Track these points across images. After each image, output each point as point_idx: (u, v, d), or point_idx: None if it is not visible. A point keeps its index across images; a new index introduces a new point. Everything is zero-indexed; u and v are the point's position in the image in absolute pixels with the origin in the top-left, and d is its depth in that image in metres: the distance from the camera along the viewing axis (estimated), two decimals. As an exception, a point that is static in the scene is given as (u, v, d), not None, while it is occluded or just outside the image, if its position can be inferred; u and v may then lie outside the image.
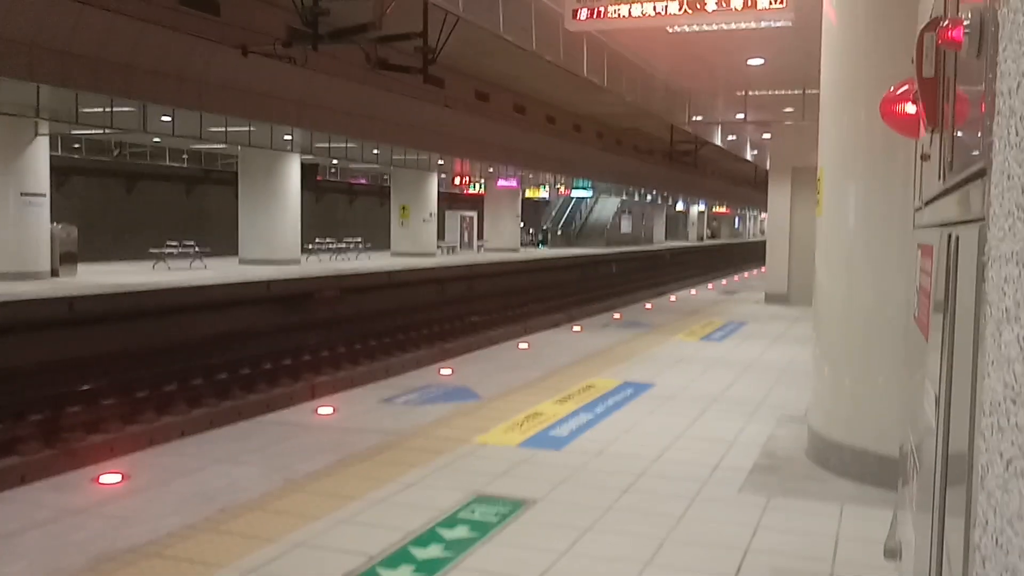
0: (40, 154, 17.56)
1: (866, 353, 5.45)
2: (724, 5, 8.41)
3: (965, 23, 1.14)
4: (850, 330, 5.58)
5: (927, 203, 1.95)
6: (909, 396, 2.70)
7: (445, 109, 22.57)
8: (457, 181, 38.74)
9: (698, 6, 8.49)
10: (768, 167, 19.45)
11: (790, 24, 9.48)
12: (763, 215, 73.55)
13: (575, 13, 8.92)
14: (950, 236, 1.47)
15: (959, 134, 1.40)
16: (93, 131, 21.56)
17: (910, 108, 2.00)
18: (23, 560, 3.91)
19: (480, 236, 38.05)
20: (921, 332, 2.02)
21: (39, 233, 17.51)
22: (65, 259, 18.15)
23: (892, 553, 2.62)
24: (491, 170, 34.64)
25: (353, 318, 20.20)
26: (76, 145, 28.66)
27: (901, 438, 3.31)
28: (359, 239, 29.86)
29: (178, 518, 4.42)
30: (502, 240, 37.55)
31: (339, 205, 42.14)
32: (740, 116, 18.96)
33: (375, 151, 27.22)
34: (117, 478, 5.08)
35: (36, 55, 13.34)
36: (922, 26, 1.66)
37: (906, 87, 2.04)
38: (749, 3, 8.34)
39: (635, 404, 7.42)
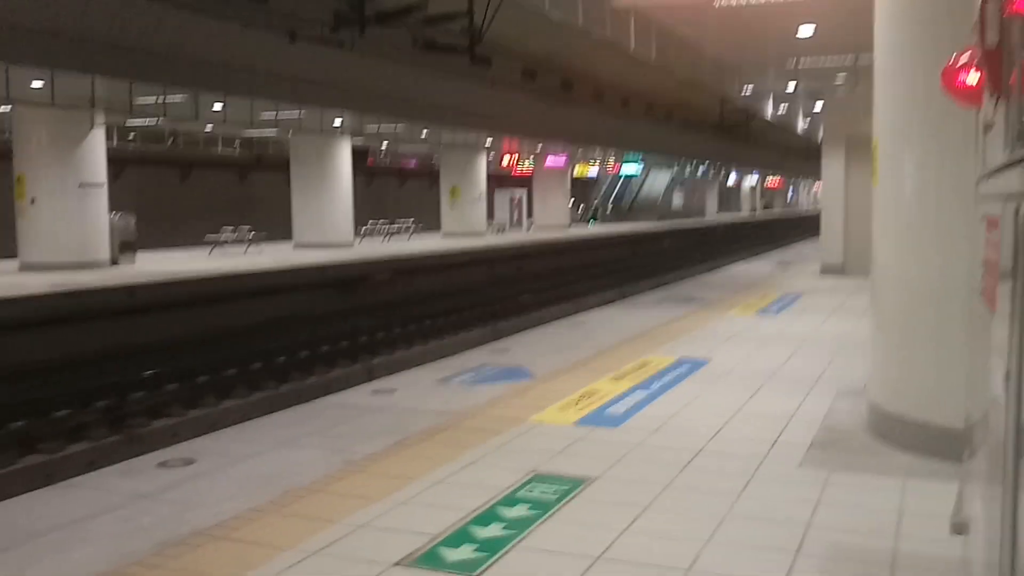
0: (97, 145, 17.89)
1: (927, 324, 5.34)
2: (773, -27, 8.27)
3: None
4: (910, 301, 5.48)
5: (991, 173, 1.91)
6: (974, 368, 2.65)
7: (492, 88, 22.51)
8: (505, 161, 38.67)
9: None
10: (821, 137, 19.11)
11: (842, -10, 9.27)
12: (817, 186, 72.33)
13: (621, -13, 8.83)
14: (1018, 208, 1.44)
15: (1026, 103, 1.36)
16: (147, 121, 21.91)
17: (972, 78, 1.95)
18: (93, 545, 4.02)
19: (529, 215, 37.98)
20: (987, 304, 1.97)
21: (98, 223, 17.87)
22: (124, 248, 18.51)
23: (959, 528, 2.58)
24: (539, 148, 34.51)
25: (406, 299, 20.34)
26: (131, 135, 29.20)
27: (966, 410, 3.25)
28: (410, 221, 30.01)
29: (242, 501, 4.51)
30: (551, 218, 37.44)
31: (389, 188, 42.37)
32: (791, 86, 18.62)
33: (424, 133, 27.28)
34: (181, 462, 5.20)
35: (87, 47, 13.57)
36: (984, -8, 1.61)
37: (967, 56, 1.99)
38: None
39: (691, 380, 7.38)
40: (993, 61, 1.58)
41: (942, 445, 4.94)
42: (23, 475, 8.62)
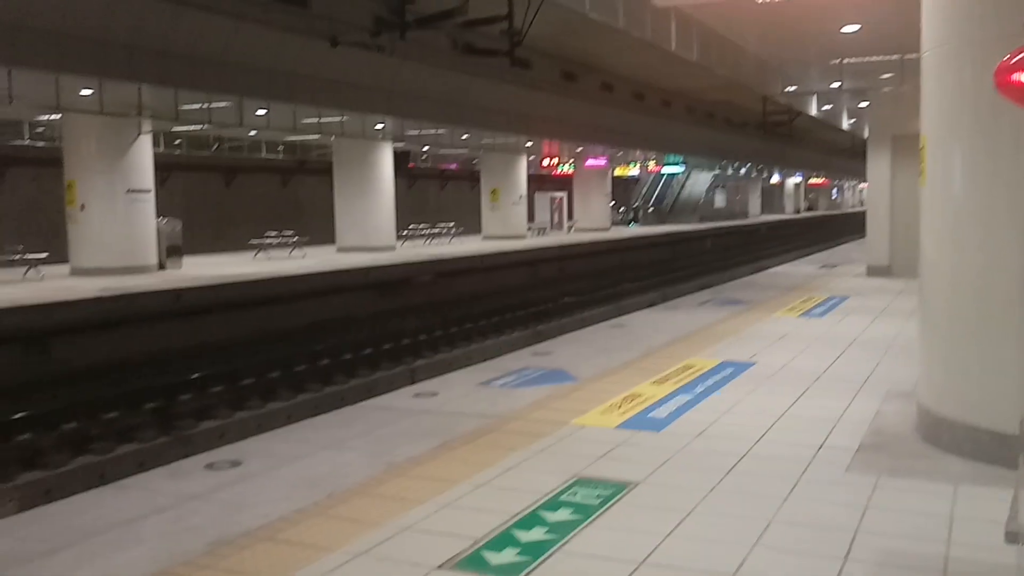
0: (144, 152, 18.19)
1: (978, 326, 5.24)
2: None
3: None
4: (959, 302, 5.38)
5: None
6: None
7: (532, 91, 22.51)
8: (546, 162, 38.64)
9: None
10: (866, 136, 18.84)
11: (887, -13, 9.13)
12: (862, 185, 71.33)
13: (662, -12, 8.79)
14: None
15: (1085, 103, 1.33)
16: (192, 127, 22.22)
17: (1027, 76, 1.91)
18: (144, 546, 4.08)
19: (570, 216, 37.92)
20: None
21: (146, 228, 18.18)
22: (171, 252, 18.81)
23: (1014, 537, 2.53)
24: (579, 150, 34.44)
25: (449, 302, 20.43)
26: (177, 142, 29.66)
27: (1019, 414, 3.18)
28: (451, 224, 30.12)
29: (288, 503, 4.55)
30: (592, 220, 37.35)
31: (431, 191, 42.57)
32: (835, 84, 18.37)
33: (464, 136, 27.37)
34: (229, 464, 5.26)
35: (136, 56, 13.81)
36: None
37: (1021, 55, 1.94)
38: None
39: (735, 384, 7.32)
40: (1048, 60, 1.54)
41: (995, 450, 4.84)
42: (78, 475, 8.79)
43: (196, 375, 12.42)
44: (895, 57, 15.90)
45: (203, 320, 15.17)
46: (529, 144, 30.57)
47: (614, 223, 40.71)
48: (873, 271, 16.54)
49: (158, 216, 18.58)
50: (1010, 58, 2.03)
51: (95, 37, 13.15)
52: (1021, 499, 2.54)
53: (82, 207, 17.54)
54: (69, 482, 8.30)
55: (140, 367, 13.16)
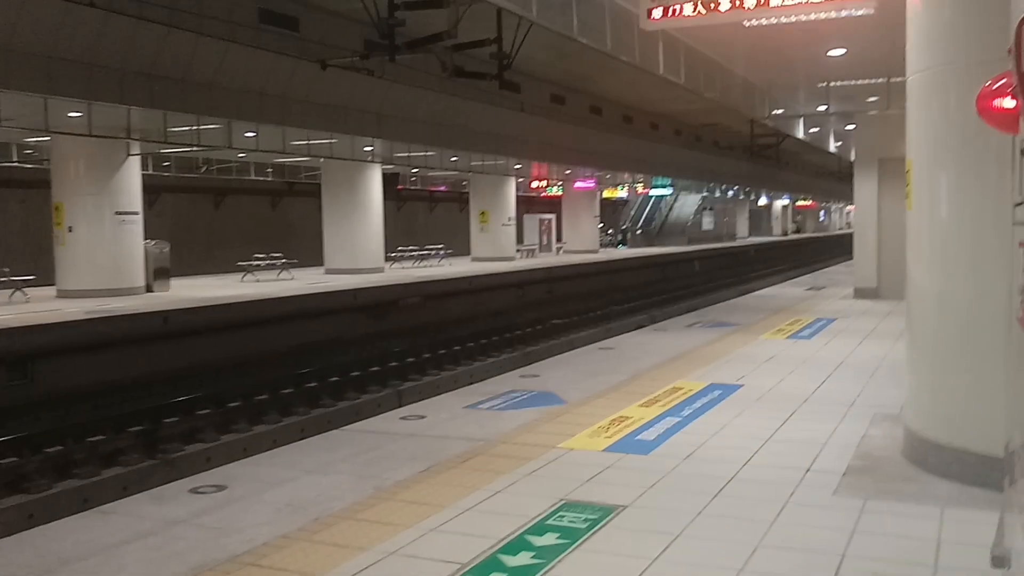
0: (132, 174, 18.16)
1: (964, 349, 5.25)
2: (803, -4, 8.25)
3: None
4: (946, 326, 5.39)
5: (1028, 198, 1.87)
6: (1014, 395, 2.60)
7: (521, 114, 22.62)
8: (535, 184, 38.75)
9: (776, 0, 8.34)
10: (853, 159, 18.97)
11: (871, 12, 9.22)
12: (849, 208, 71.75)
13: (650, 12, 8.84)
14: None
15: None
16: (181, 149, 22.22)
17: (1008, 103, 1.92)
18: (126, 572, 4.04)
19: (559, 238, 38.01)
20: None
21: (133, 250, 18.11)
22: (158, 274, 18.73)
23: (1000, 561, 2.53)
24: (568, 172, 34.58)
25: (437, 324, 20.39)
26: (166, 163, 29.63)
27: (1006, 437, 3.18)
28: (440, 245, 30.13)
29: (273, 528, 4.51)
30: (581, 241, 37.44)
31: (420, 212, 42.61)
32: (822, 108, 18.52)
33: (453, 158, 27.45)
34: (214, 488, 5.22)
35: (125, 79, 13.82)
36: (1019, 16, 1.59)
37: (1003, 81, 1.96)
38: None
39: (723, 406, 7.31)
40: (1028, 86, 1.55)
41: (981, 473, 4.84)
42: (61, 499, 8.70)
43: (182, 398, 12.34)
44: (881, 80, 16.06)
45: (189, 342, 15.09)
46: (518, 166, 30.67)
47: (603, 245, 40.80)
48: (860, 293, 16.60)
49: (146, 238, 18.52)
50: (991, 84, 2.04)
51: (85, 60, 13.16)
52: (1007, 522, 2.54)
53: (70, 229, 17.48)
54: (52, 506, 8.22)
55: (126, 390, 13.07)
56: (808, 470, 5.42)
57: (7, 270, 17.59)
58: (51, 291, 17.80)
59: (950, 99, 5.26)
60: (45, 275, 18.56)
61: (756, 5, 8.39)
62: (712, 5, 8.53)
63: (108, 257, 17.63)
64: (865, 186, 16.56)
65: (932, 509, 4.66)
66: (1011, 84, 1.83)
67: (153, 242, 18.76)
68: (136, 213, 18.15)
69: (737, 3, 8.49)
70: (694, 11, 8.63)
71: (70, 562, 4.14)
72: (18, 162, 25.82)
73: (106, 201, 17.59)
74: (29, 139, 22.38)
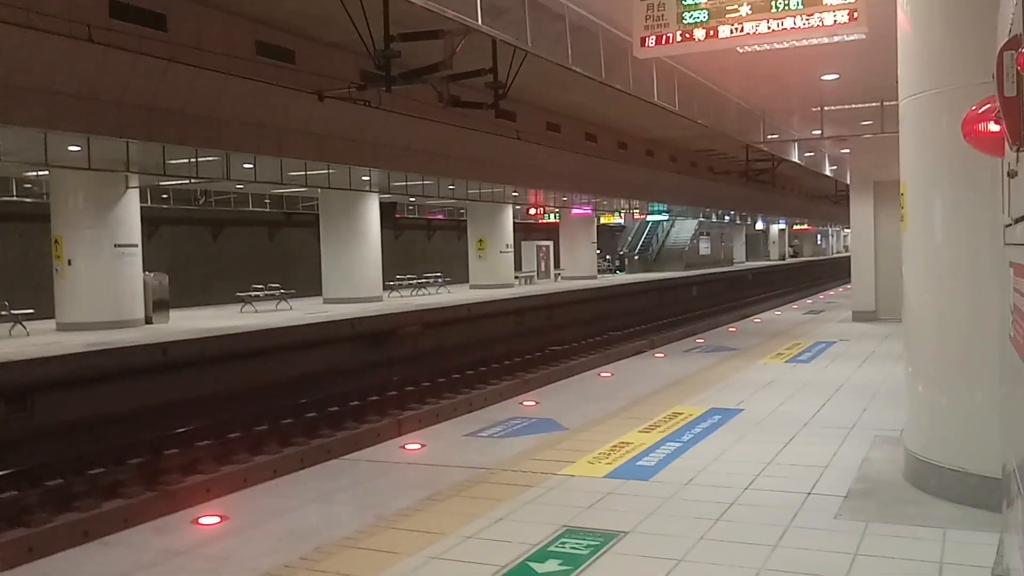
0: (131, 206, 18.22)
1: (962, 370, 5.28)
2: (795, 23, 8.32)
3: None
4: (944, 347, 5.42)
5: (1017, 220, 1.90)
6: (1008, 416, 2.62)
7: (518, 142, 22.75)
8: (532, 211, 38.88)
9: (768, 27, 8.42)
10: (849, 182, 19.05)
11: (864, 37, 9.31)
12: (846, 230, 71.94)
13: (643, 40, 8.92)
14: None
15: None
16: (180, 182, 22.31)
17: (993, 127, 1.96)
18: (129, 603, 4.03)
19: (557, 265, 38.07)
20: (1018, 353, 1.96)
21: (133, 283, 18.14)
22: (158, 306, 18.75)
23: (1000, 580, 2.54)
24: (565, 199, 34.72)
25: (436, 352, 20.38)
26: (164, 195, 29.70)
27: (1003, 458, 3.20)
28: (438, 274, 30.19)
29: (275, 557, 4.51)
30: (579, 268, 37.50)
31: (418, 241, 42.70)
32: (817, 132, 18.63)
33: (451, 187, 27.56)
34: (215, 519, 5.21)
35: (124, 112, 13.91)
36: (1002, 43, 1.63)
37: (988, 106, 2.00)
38: (821, 21, 8.24)
39: (723, 431, 7.31)
40: (1012, 110, 1.59)
41: (981, 494, 4.84)
42: (61, 532, 8.67)
43: (182, 429, 12.32)
44: (874, 104, 16.15)
45: (189, 374, 15.08)
46: (515, 194, 30.79)
47: (600, 271, 40.87)
48: (859, 316, 16.63)
49: (145, 270, 18.56)
50: (976, 108, 2.08)
51: (84, 94, 13.25)
52: (1007, 543, 2.55)
53: (69, 262, 17.51)
54: (52, 539, 8.18)
55: (126, 422, 13.05)
56: (809, 494, 5.42)
57: (7, 303, 17.61)
58: (51, 324, 17.80)
59: (942, 122, 5.31)
60: (45, 308, 18.56)
61: (750, 31, 8.48)
62: (711, 32, 8.61)
63: (107, 289, 17.65)
64: (861, 209, 16.64)
65: (934, 531, 4.66)
66: (995, 109, 1.87)
67: (152, 274, 18.79)
68: (135, 245, 18.19)
69: (711, 32, 8.58)
70: (687, 37, 8.71)
71: (72, 595, 4.14)
72: (17, 196, 25.88)
73: (105, 234, 17.63)
74: (28, 173, 22.44)
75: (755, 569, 4.18)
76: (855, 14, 8.12)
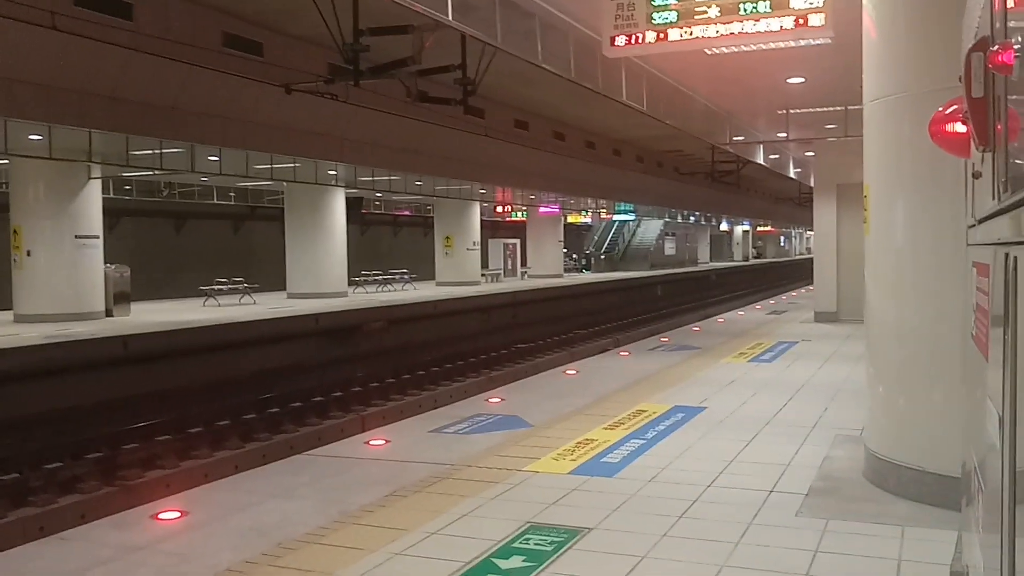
0: (93, 197, 17.97)
1: (922, 371, 5.35)
2: (763, 25, 8.40)
3: (1016, 47, 1.14)
4: (904, 348, 5.49)
5: (981, 221, 1.93)
6: (968, 415, 2.66)
7: (485, 139, 22.73)
8: (499, 209, 38.90)
9: (736, 29, 8.49)
10: (812, 185, 19.26)
11: (829, 41, 9.42)
12: (809, 233, 72.73)
13: (613, 40, 8.96)
14: (1007, 255, 1.46)
15: (1013, 154, 1.39)
16: (143, 173, 22.04)
17: (960, 127, 1.98)
18: (87, 598, 3.97)
19: (523, 263, 38.10)
20: (979, 350, 1.99)
21: (93, 274, 17.89)
22: (119, 299, 18.51)
23: (958, 576, 2.57)
24: (532, 197, 34.77)
25: (401, 349, 20.31)
26: (127, 187, 29.33)
27: (962, 457, 3.24)
28: (404, 270, 30.09)
29: (236, 553, 4.46)
30: (545, 266, 37.57)
31: (384, 237, 42.53)
32: (782, 135, 18.83)
33: (418, 183, 27.48)
34: (175, 514, 5.15)
35: (87, 101, 13.70)
36: (968, 45, 1.65)
37: (955, 107, 2.02)
38: (788, 24, 8.33)
39: (686, 428, 7.36)
40: (979, 112, 1.61)
41: (940, 492, 4.92)
42: (16, 527, 8.52)
43: (142, 424, 12.17)
44: (839, 108, 16.36)
45: (150, 368, 14.90)
46: (483, 191, 30.77)
47: (567, 270, 40.97)
48: (821, 317, 16.82)
49: (106, 262, 18.30)
50: (944, 109, 2.11)
51: (46, 82, 13.03)
52: (965, 540, 2.59)
53: (28, 253, 17.23)
54: (7, 534, 8.04)
55: (85, 416, 12.86)
56: (771, 491, 5.47)
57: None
58: (8, 316, 17.51)
59: (905, 126, 5.38)
60: (2, 300, 18.27)
61: (718, 34, 8.53)
62: (675, 34, 8.66)
63: (67, 281, 17.40)
64: (824, 211, 16.82)
65: (893, 529, 4.72)
66: (962, 110, 1.90)
67: (113, 266, 18.54)
68: (96, 237, 17.94)
69: (680, 33, 8.63)
70: (656, 38, 8.76)
71: (27, 590, 4.07)
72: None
73: (66, 224, 17.37)
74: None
75: (717, 566, 4.21)
76: (821, 18, 8.21)
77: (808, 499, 5.30)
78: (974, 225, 2.12)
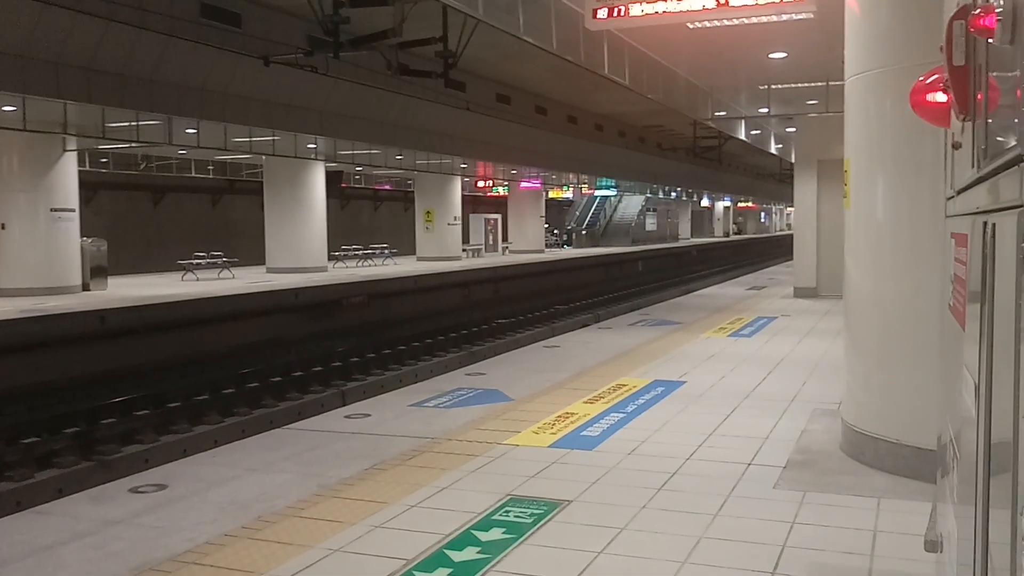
0: (68, 170, 17.76)
1: (899, 344, 5.40)
2: (744, -1, 8.37)
3: (998, 10, 1.13)
4: (882, 322, 5.53)
5: (960, 191, 1.93)
6: (946, 386, 2.67)
7: (467, 113, 22.61)
8: (480, 184, 38.78)
9: (720, 1, 8.45)
10: (793, 160, 19.30)
11: (812, 16, 9.40)
12: (789, 209, 73.06)
13: (595, 12, 8.90)
14: (985, 224, 1.46)
15: (993, 122, 1.38)
16: (120, 146, 21.78)
17: (940, 97, 1.98)
18: (64, 572, 3.96)
19: (505, 238, 38.06)
20: (957, 321, 1.99)
21: (70, 248, 17.72)
22: (95, 273, 18.36)
23: (933, 546, 2.60)
24: (514, 172, 34.68)
25: (381, 323, 20.27)
26: (104, 160, 28.99)
27: (939, 429, 3.27)
28: (385, 245, 29.98)
29: (215, 527, 4.46)
30: (527, 241, 37.55)
31: (364, 211, 42.33)
32: (763, 110, 18.83)
33: (399, 157, 27.33)
34: (154, 488, 5.13)
35: (62, 73, 13.51)
36: (950, 14, 1.64)
37: (935, 76, 2.02)
38: (770, -4, 8.30)
39: (666, 402, 7.40)
40: (959, 80, 1.60)
41: (916, 464, 4.97)
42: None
43: (120, 398, 12.10)
44: (820, 84, 16.36)
45: (127, 342, 14.80)
46: (464, 165, 30.66)
47: (548, 245, 40.97)
48: (800, 292, 16.91)
49: (83, 236, 18.13)
50: (924, 79, 2.10)
51: (20, 53, 12.83)
52: (939, 510, 2.61)
53: (2, 227, 17.03)
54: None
55: (62, 391, 12.78)
56: (749, 464, 5.51)
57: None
58: (-17, 290, 17.33)
59: (886, 101, 5.39)
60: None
61: (701, 7, 8.49)
62: (658, 7, 8.62)
63: (43, 255, 17.23)
64: (805, 187, 16.88)
65: (869, 500, 4.77)
66: (943, 79, 1.89)
67: (90, 240, 18.37)
68: (72, 210, 17.76)
69: (663, 6, 8.59)
70: (639, 12, 8.71)
71: (6, 563, 4.05)
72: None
73: (41, 198, 17.18)
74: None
75: (696, 537, 4.24)
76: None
77: (786, 472, 5.35)
78: (953, 196, 2.12)
